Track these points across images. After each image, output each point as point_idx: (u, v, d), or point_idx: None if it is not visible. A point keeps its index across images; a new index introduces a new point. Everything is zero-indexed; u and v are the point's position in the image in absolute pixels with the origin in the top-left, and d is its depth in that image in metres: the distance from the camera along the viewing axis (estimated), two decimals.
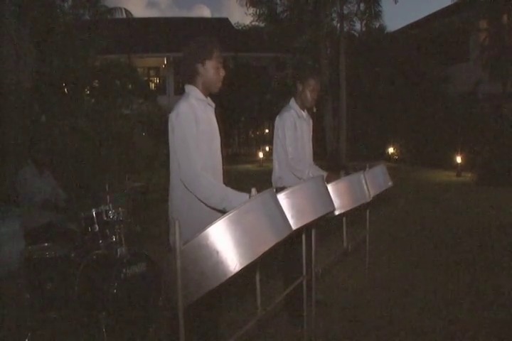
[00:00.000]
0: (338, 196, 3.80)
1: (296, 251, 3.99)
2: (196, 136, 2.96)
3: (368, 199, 4.24)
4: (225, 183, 3.14)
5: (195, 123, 2.96)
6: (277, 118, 4.55)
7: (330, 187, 3.68)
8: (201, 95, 3.13)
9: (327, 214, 3.31)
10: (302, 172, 4.36)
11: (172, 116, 3.00)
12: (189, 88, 3.15)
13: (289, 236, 2.45)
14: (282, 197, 2.91)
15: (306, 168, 4.34)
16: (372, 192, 4.38)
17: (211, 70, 3.11)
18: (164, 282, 2.42)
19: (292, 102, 4.60)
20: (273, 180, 4.58)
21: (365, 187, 4.20)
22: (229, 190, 2.87)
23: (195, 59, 3.09)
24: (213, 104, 3.26)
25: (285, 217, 2.52)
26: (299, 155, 4.45)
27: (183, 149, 2.93)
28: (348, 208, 3.93)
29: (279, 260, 4.62)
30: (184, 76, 3.19)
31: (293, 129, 4.43)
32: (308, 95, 4.49)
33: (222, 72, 3.16)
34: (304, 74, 4.57)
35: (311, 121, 4.78)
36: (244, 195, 2.77)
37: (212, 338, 3.34)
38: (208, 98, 3.24)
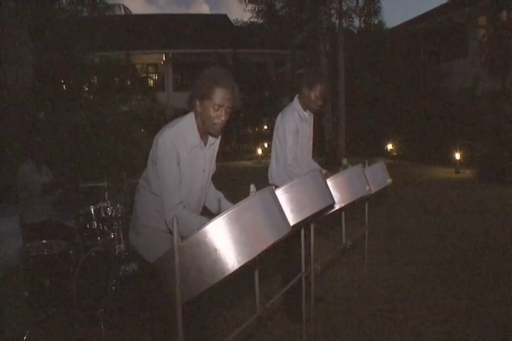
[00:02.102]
0: (338, 190, 3.79)
1: (295, 247, 3.98)
2: (177, 174, 2.81)
3: (369, 192, 4.22)
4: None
5: (176, 161, 2.79)
6: (279, 117, 4.42)
7: (329, 181, 3.68)
8: (194, 131, 2.88)
9: (327, 207, 3.31)
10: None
11: (156, 138, 2.82)
12: (188, 118, 2.91)
13: (288, 234, 2.44)
14: (281, 192, 2.92)
15: (303, 173, 4.26)
16: (372, 189, 4.38)
17: (207, 111, 2.79)
18: (158, 280, 2.41)
19: (296, 102, 4.44)
20: (269, 176, 4.56)
21: (364, 179, 4.19)
22: (191, 218, 2.72)
23: (194, 93, 2.81)
24: (214, 139, 3.04)
25: (284, 215, 2.51)
26: (297, 159, 4.39)
27: (161, 181, 2.82)
28: (348, 202, 3.92)
29: (278, 256, 4.62)
30: (189, 104, 2.90)
31: (295, 133, 4.30)
32: (313, 101, 4.32)
33: (220, 116, 2.80)
34: (313, 78, 4.32)
35: (312, 119, 4.68)
36: (203, 220, 2.65)
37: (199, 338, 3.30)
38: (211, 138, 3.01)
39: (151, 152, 2.91)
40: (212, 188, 3.29)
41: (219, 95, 2.74)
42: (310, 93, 4.30)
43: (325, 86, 4.31)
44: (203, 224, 2.62)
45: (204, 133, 2.93)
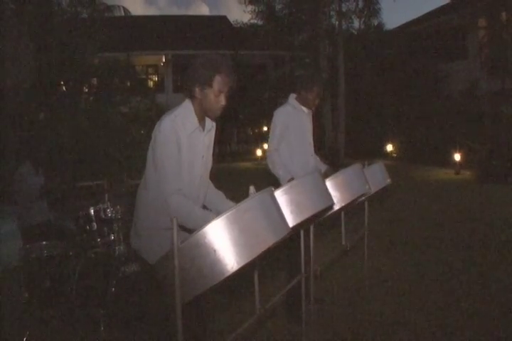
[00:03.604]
0: (337, 189, 3.79)
1: (298, 247, 4.00)
2: (177, 160, 2.81)
3: (368, 190, 4.23)
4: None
5: (176, 147, 2.80)
6: (274, 112, 4.57)
7: (328, 181, 3.68)
8: (192, 117, 2.90)
9: (326, 208, 3.31)
10: (277, 164, 4.38)
11: (156, 128, 2.84)
12: (185, 105, 2.94)
13: (287, 235, 2.44)
14: (280, 194, 2.91)
15: (280, 169, 4.35)
16: (372, 189, 4.38)
17: (209, 98, 2.84)
18: (158, 281, 2.42)
19: (292, 99, 4.59)
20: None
21: (363, 178, 4.19)
22: (195, 211, 2.70)
23: (194, 81, 2.83)
24: (211, 125, 3.07)
25: (283, 216, 2.51)
26: (295, 150, 4.50)
27: (160, 169, 2.82)
28: (348, 201, 3.91)
29: (282, 256, 4.62)
30: (184, 92, 2.93)
31: (281, 127, 4.45)
32: (310, 100, 4.51)
33: (222, 101, 2.86)
34: (310, 81, 4.48)
35: (311, 114, 4.78)
36: (209, 215, 2.64)
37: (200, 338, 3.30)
38: (207, 120, 3.03)
39: (151, 143, 2.92)
40: (213, 188, 3.28)
41: (219, 82, 2.81)
42: (307, 94, 4.47)
43: (321, 87, 4.49)
44: (206, 217, 2.58)
45: (201, 118, 2.97)
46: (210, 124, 3.08)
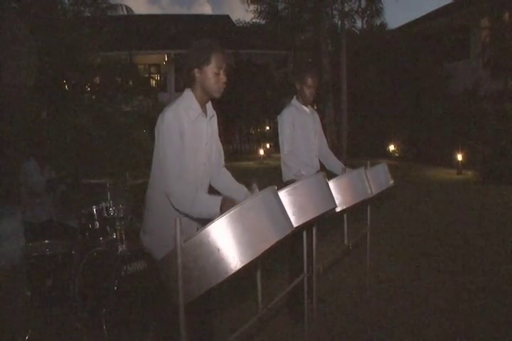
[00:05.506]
0: (340, 192, 3.79)
1: (298, 248, 4.00)
2: (179, 148, 2.85)
3: (370, 195, 4.24)
4: None
5: (179, 135, 2.84)
6: (278, 116, 4.63)
7: (331, 183, 3.68)
8: (195, 104, 2.97)
9: (328, 211, 3.31)
10: (293, 169, 4.39)
11: (158, 121, 2.89)
12: (185, 94, 3.01)
13: (292, 234, 2.44)
14: (284, 195, 2.91)
15: (297, 166, 4.37)
16: (374, 191, 4.38)
17: (209, 76, 2.93)
18: (162, 279, 2.42)
19: (294, 100, 4.67)
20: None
21: (366, 182, 4.20)
22: (198, 196, 2.74)
23: (192, 63, 2.94)
24: (212, 113, 3.13)
25: (287, 214, 2.51)
26: (296, 150, 4.53)
27: (162, 160, 2.86)
28: (350, 204, 3.92)
29: (285, 255, 4.63)
30: (184, 80, 3.04)
31: (290, 126, 4.51)
32: (306, 92, 4.55)
33: (222, 78, 2.96)
34: (300, 72, 4.61)
35: (317, 116, 4.85)
36: (216, 199, 2.68)
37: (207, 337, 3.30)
38: (208, 105, 3.10)
39: (155, 142, 2.95)
40: (234, 181, 3.36)
41: (217, 59, 2.93)
42: (302, 86, 4.54)
43: (314, 77, 4.55)
44: (210, 202, 2.66)
45: (203, 104, 3.04)
46: (212, 112, 3.15)
